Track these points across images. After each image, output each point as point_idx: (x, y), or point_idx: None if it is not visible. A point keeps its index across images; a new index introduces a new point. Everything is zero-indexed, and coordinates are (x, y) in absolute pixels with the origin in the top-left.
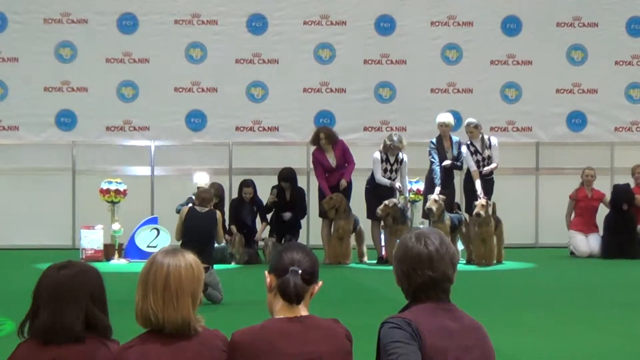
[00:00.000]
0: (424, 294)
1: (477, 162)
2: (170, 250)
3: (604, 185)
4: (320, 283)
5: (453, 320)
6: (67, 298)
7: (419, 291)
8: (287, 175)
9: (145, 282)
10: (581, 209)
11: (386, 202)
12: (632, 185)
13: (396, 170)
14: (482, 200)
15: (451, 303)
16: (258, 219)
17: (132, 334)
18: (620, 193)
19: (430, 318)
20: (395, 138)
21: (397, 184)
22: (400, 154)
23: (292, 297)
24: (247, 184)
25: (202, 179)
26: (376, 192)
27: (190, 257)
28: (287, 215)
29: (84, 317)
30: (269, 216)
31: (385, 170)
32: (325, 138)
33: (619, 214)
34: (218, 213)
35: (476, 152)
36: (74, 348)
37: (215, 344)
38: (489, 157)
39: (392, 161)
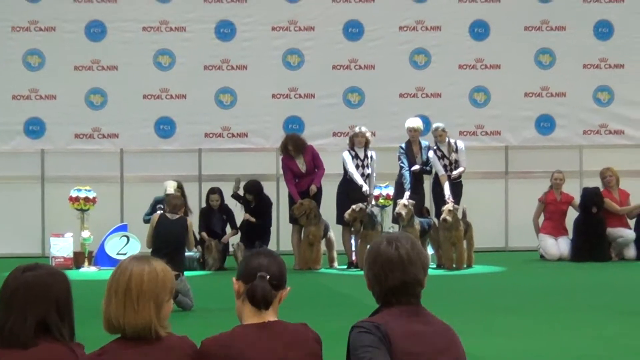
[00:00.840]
0: (394, 298)
1: (445, 166)
2: (138, 256)
3: (573, 189)
4: (288, 289)
5: (424, 323)
6: (28, 300)
7: (390, 295)
8: (251, 188)
9: (109, 288)
10: (550, 213)
11: (353, 206)
12: (601, 189)
13: (367, 166)
14: (449, 206)
15: (422, 307)
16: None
17: (102, 342)
18: (590, 196)
19: (400, 322)
20: (357, 128)
21: (366, 188)
22: (368, 150)
23: (261, 303)
24: (213, 191)
25: (170, 186)
26: (348, 197)
27: (157, 264)
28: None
29: (43, 320)
30: (238, 222)
31: (356, 167)
32: (293, 149)
33: (588, 217)
34: (189, 220)
35: (443, 156)
36: (39, 353)
37: (183, 350)
38: (456, 161)
39: (361, 156)
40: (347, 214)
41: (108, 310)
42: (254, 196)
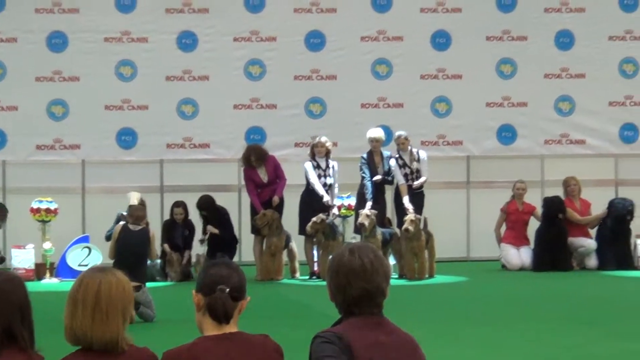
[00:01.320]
0: (357, 308)
1: (406, 175)
2: (100, 268)
3: (534, 198)
4: (248, 298)
5: (385, 334)
6: None
7: (353, 305)
8: (204, 204)
9: (75, 299)
10: (512, 222)
11: (314, 218)
12: (562, 198)
13: (329, 175)
14: (410, 216)
15: (384, 317)
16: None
17: (62, 353)
18: (554, 205)
19: (362, 332)
20: (318, 138)
21: (327, 198)
22: (329, 160)
23: (221, 317)
24: (177, 204)
25: (133, 197)
26: (310, 207)
27: (120, 276)
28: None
29: (9, 328)
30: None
31: (318, 177)
32: (255, 160)
33: (551, 227)
34: (151, 231)
35: (404, 165)
36: None
37: None
38: (418, 171)
39: (323, 166)
40: (308, 227)
41: (74, 323)
42: (208, 211)
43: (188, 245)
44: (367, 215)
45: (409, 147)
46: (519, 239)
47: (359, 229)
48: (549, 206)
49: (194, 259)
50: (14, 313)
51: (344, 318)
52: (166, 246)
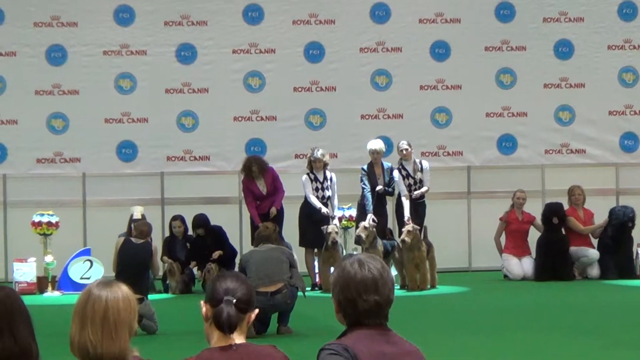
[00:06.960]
0: (367, 320)
1: (409, 185)
2: (106, 282)
3: (535, 208)
4: (256, 310)
5: (390, 344)
6: (7, 321)
7: (363, 317)
8: (199, 222)
9: (83, 314)
10: (512, 232)
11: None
12: (567, 206)
13: (327, 188)
14: (408, 227)
15: (388, 328)
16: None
17: None
18: (552, 208)
19: (368, 343)
20: (316, 152)
21: (325, 210)
22: (327, 172)
23: (225, 328)
24: (174, 218)
25: (137, 211)
26: (311, 219)
27: (125, 289)
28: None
29: (27, 342)
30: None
31: (316, 189)
32: (257, 170)
33: (551, 236)
34: (154, 245)
35: (408, 175)
36: None
37: None
38: (421, 181)
39: (320, 179)
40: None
41: (82, 337)
42: (203, 229)
43: (189, 261)
44: (365, 228)
45: (412, 157)
46: (519, 249)
47: (358, 240)
48: (548, 209)
49: (198, 272)
50: (30, 327)
51: (349, 330)
52: (166, 258)
